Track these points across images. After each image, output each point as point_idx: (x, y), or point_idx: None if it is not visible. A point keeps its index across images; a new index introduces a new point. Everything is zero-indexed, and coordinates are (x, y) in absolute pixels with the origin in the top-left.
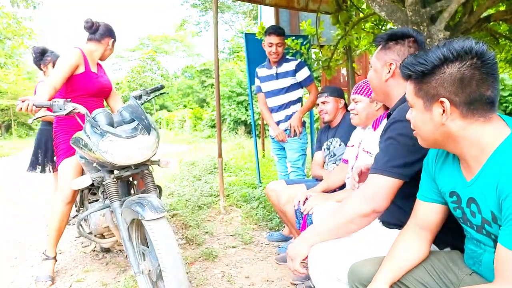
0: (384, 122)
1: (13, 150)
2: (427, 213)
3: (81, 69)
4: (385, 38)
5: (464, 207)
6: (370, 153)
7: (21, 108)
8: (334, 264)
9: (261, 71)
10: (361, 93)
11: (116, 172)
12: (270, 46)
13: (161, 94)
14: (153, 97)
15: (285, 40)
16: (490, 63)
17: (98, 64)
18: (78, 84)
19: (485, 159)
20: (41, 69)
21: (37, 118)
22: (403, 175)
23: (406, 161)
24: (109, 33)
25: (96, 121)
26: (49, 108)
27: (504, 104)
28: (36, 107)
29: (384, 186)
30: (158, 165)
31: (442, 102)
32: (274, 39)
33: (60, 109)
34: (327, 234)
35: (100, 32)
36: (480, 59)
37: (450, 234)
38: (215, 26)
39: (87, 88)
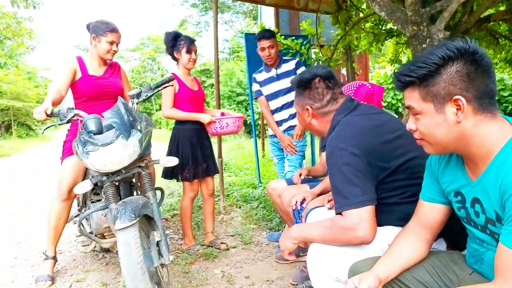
0: None
1: (13, 150)
2: (429, 213)
3: (79, 75)
4: (295, 84)
5: (468, 207)
6: None
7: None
8: (334, 264)
9: (260, 76)
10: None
11: (103, 177)
12: (263, 51)
13: (168, 86)
14: (158, 91)
15: (285, 40)
16: (485, 57)
17: (110, 67)
18: (79, 89)
19: (491, 159)
20: (174, 58)
21: (46, 128)
22: (369, 200)
23: (362, 187)
24: (91, 30)
25: (84, 128)
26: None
27: (504, 104)
28: (48, 116)
29: (364, 217)
30: (158, 164)
31: (456, 100)
32: (264, 43)
33: (65, 117)
34: (312, 241)
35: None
36: (477, 53)
37: (449, 233)
38: (215, 26)
39: (86, 92)
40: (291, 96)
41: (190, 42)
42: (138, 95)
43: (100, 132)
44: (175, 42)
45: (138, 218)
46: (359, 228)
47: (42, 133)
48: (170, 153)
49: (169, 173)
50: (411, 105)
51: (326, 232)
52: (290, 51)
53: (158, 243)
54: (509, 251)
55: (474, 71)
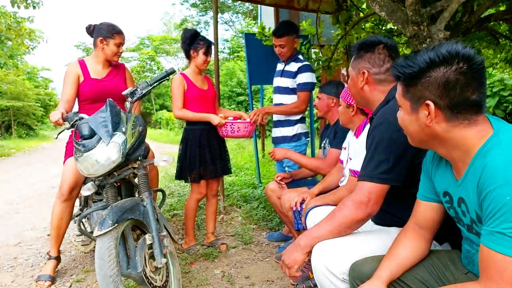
0: (367, 129)
1: (13, 150)
2: (426, 212)
3: (81, 78)
4: (357, 47)
5: (456, 207)
6: (351, 159)
7: (56, 121)
8: (340, 264)
9: (278, 65)
10: (341, 97)
11: (96, 182)
12: (275, 47)
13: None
14: (157, 85)
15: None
16: (476, 68)
17: (114, 68)
18: (82, 93)
19: (470, 160)
20: (187, 56)
21: (60, 132)
22: (391, 180)
23: (392, 166)
24: (97, 33)
25: (79, 132)
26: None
27: (504, 104)
28: (64, 120)
29: (375, 192)
30: (153, 164)
31: (427, 105)
32: (274, 40)
33: (71, 120)
34: (323, 239)
35: (93, 35)
36: (467, 63)
37: (449, 231)
38: (215, 26)
39: (89, 95)
40: (286, 98)
41: (209, 44)
42: (132, 94)
43: (92, 136)
44: (193, 40)
45: (115, 225)
46: (370, 204)
47: (56, 137)
48: (179, 154)
49: (178, 174)
50: (396, 97)
51: (333, 222)
52: None
53: (152, 246)
54: (489, 251)
55: (454, 81)
